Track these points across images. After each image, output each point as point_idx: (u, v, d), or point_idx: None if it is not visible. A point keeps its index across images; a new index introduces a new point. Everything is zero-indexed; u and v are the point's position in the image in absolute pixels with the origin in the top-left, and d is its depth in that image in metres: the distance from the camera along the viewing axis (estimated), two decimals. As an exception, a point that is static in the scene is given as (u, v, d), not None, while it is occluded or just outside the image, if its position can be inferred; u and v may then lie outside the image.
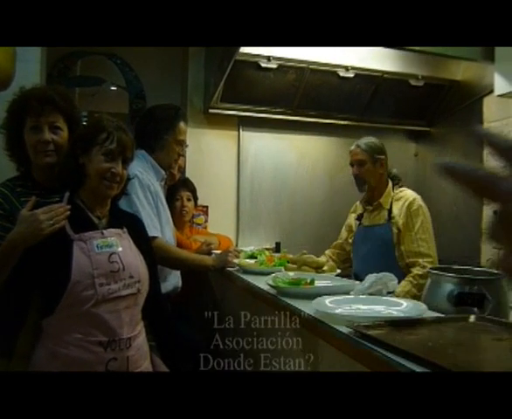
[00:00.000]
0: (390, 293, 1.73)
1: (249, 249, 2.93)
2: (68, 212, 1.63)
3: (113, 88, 4.01)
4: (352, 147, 2.86)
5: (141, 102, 4.00)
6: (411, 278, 2.48)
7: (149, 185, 2.31)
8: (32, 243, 1.58)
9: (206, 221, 3.69)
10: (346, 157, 4.21)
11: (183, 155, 2.64)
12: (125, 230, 1.74)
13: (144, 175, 2.31)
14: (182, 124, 2.50)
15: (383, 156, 2.77)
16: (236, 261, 2.48)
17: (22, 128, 1.84)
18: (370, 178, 2.77)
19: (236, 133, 3.95)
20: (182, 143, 2.54)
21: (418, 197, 2.70)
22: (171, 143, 2.46)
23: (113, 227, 1.71)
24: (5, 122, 1.85)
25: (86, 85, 3.82)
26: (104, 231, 1.66)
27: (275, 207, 4.03)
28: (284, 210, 4.05)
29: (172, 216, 3.22)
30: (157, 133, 2.41)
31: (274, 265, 2.41)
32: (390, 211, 2.69)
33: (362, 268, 2.70)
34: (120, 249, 1.66)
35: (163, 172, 2.50)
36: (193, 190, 3.32)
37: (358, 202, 3.00)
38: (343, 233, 3.04)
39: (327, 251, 3.08)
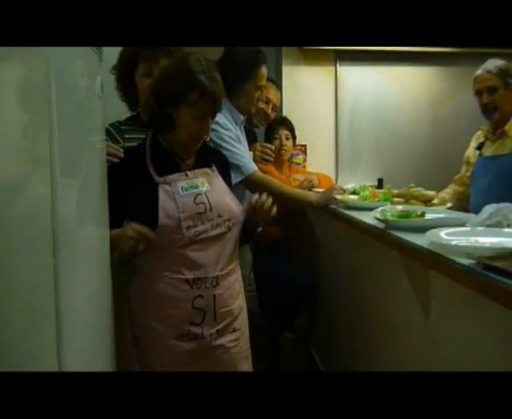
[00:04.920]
0: (510, 226, 1.60)
1: (350, 186, 2.85)
2: (122, 155, 1.63)
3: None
4: (479, 72, 2.60)
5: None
6: None
7: (230, 128, 2.28)
8: None
9: (305, 160, 3.64)
10: (450, 88, 3.99)
11: (262, 100, 2.56)
12: (214, 168, 1.72)
13: (223, 119, 2.26)
14: (262, 69, 2.38)
15: None
16: (339, 197, 2.42)
17: (134, 72, 1.88)
18: (504, 105, 2.54)
19: (333, 68, 3.82)
20: (261, 88, 2.43)
21: None
22: (251, 90, 2.36)
23: (199, 167, 1.68)
24: (118, 64, 1.89)
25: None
26: (188, 173, 1.64)
27: (376, 143, 3.89)
28: (385, 147, 3.90)
29: (271, 156, 3.21)
30: (237, 81, 2.31)
31: (379, 201, 2.33)
32: None
33: (481, 203, 2.51)
34: (206, 188, 1.63)
35: (242, 117, 2.44)
36: (291, 129, 3.27)
37: (479, 131, 2.77)
38: (462, 166, 2.84)
39: (447, 189, 2.88)
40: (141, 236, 1.52)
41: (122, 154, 1.65)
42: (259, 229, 1.90)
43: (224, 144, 2.18)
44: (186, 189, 1.60)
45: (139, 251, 1.55)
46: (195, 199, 1.60)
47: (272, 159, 2.58)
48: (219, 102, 1.63)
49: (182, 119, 1.61)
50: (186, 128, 1.61)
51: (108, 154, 1.63)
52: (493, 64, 2.56)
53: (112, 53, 1.87)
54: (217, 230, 1.64)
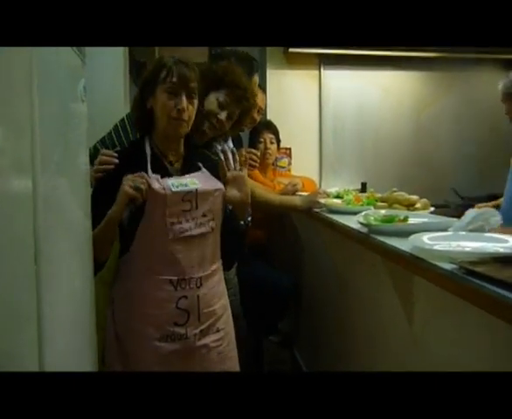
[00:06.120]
0: (491, 230, 1.61)
1: (334, 190, 2.86)
2: (116, 160, 1.65)
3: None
4: None
5: (220, 47, 3.94)
6: None
7: None
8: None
9: (290, 163, 3.65)
10: (433, 92, 4.03)
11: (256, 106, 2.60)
12: (204, 170, 1.73)
13: None
14: (254, 78, 2.40)
15: None
16: (323, 201, 2.43)
17: None
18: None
19: (317, 72, 3.85)
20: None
21: None
22: None
23: (188, 172, 1.69)
24: None
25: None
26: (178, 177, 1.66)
27: (359, 147, 3.92)
28: (368, 151, 3.94)
29: (256, 159, 3.21)
30: None
31: (362, 205, 2.34)
32: None
33: (506, 209, 2.52)
34: (196, 187, 1.64)
35: None
36: (276, 133, 3.27)
37: None
38: None
39: None
40: (139, 180, 1.55)
41: (117, 160, 1.66)
42: (247, 219, 1.85)
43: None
44: (177, 187, 1.61)
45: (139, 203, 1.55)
46: (183, 197, 1.61)
47: (257, 165, 2.59)
48: (189, 80, 1.66)
49: (157, 100, 1.65)
50: (162, 109, 1.64)
51: (103, 162, 1.65)
52: (504, 79, 2.67)
53: (95, 56, 1.86)
54: (201, 230, 1.64)
